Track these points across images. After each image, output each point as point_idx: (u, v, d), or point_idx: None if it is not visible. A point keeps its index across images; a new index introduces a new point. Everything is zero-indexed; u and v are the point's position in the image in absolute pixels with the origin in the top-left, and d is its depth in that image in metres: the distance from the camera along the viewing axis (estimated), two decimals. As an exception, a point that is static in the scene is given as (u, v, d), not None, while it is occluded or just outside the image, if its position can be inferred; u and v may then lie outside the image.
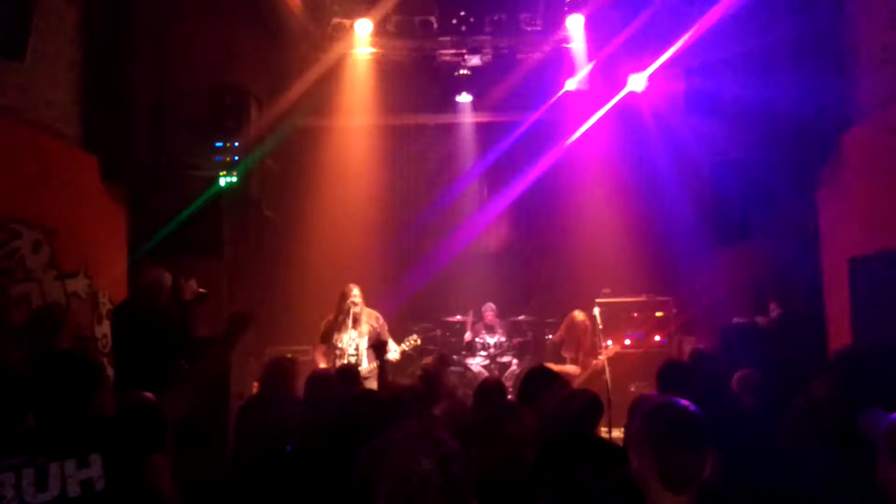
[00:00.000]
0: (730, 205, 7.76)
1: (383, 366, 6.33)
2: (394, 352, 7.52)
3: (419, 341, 7.90)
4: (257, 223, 9.53)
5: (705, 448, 2.35)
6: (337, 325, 7.62)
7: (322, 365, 7.57)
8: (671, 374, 4.70)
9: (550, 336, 10.02)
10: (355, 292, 7.69)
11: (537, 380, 4.74)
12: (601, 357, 8.32)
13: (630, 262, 9.64)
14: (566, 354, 8.64)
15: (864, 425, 3.14)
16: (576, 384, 7.85)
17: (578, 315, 8.70)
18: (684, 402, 2.48)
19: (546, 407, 4.42)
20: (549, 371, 4.97)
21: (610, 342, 8.49)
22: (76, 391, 2.94)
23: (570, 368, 8.56)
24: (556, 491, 3.34)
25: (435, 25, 9.58)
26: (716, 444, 2.40)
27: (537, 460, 3.26)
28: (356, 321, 7.62)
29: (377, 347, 6.67)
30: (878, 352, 3.84)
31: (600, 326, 8.07)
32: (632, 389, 8.19)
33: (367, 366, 7.40)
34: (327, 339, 7.67)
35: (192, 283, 6.54)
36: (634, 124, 9.86)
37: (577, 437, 4.46)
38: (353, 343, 7.54)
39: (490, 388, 5.25)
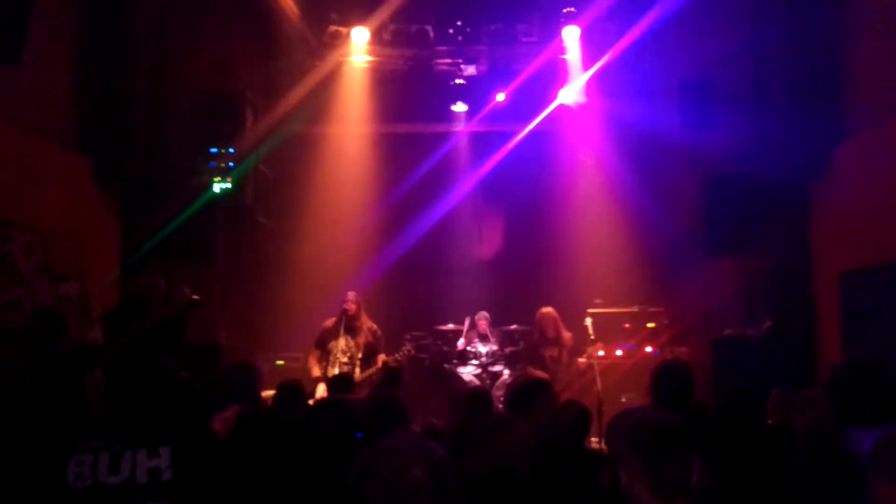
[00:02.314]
0: (722, 217, 7.79)
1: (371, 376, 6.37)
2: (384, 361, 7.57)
3: (412, 351, 7.94)
4: (251, 230, 9.52)
5: (691, 455, 2.43)
6: (332, 332, 7.65)
7: (315, 371, 7.59)
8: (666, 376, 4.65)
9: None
10: (353, 300, 7.72)
11: (529, 390, 4.75)
12: (583, 359, 8.30)
13: (622, 272, 9.66)
14: (546, 353, 8.55)
15: (851, 443, 3.15)
16: (563, 385, 7.86)
17: (542, 309, 8.63)
18: (664, 414, 2.55)
19: (537, 417, 4.43)
20: (543, 382, 4.99)
21: (602, 353, 8.47)
22: (151, 391, 3.25)
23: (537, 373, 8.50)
24: (547, 502, 3.35)
25: (431, 35, 9.61)
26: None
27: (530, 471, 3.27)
28: (350, 329, 7.63)
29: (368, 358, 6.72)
30: (873, 366, 3.83)
31: (592, 337, 8.08)
32: (623, 400, 8.19)
33: (359, 374, 7.43)
34: (322, 345, 7.68)
35: (185, 290, 6.55)
36: (628, 136, 9.89)
37: (567, 447, 4.48)
38: (348, 352, 7.55)
39: (477, 397, 5.25)
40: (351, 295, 7.79)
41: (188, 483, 3.06)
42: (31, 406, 3.64)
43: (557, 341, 8.42)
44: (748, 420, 4.40)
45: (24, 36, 5.66)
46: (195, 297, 6.63)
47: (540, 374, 8.28)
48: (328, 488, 3.26)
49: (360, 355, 7.55)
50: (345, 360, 7.50)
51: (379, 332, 7.81)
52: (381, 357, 7.68)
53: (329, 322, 7.77)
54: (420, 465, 1.74)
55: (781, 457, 3.77)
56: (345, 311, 7.65)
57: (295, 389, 5.08)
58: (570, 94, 10.12)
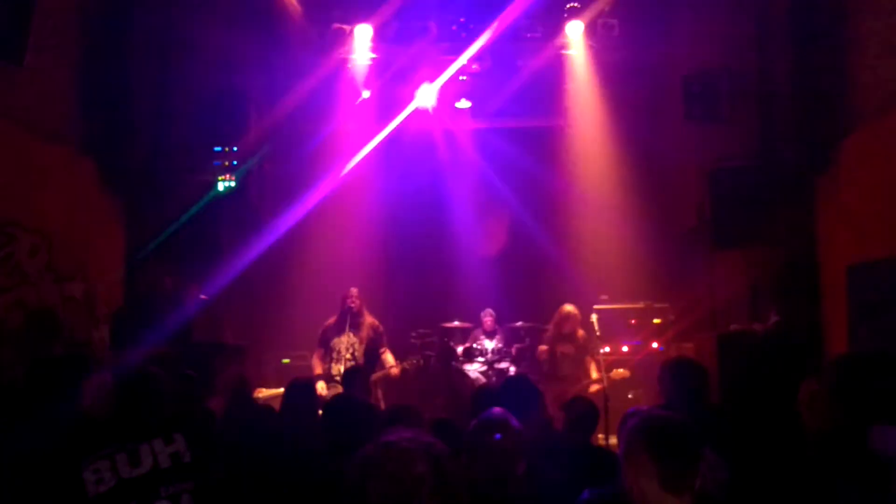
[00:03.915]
0: (728, 212, 7.76)
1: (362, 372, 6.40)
2: (393, 366, 7.60)
3: (422, 362, 7.99)
4: (256, 228, 9.51)
5: (698, 451, 2.48)
6: (335, 329, 7.66)
7: (317, 369, 7.60)
8: (680, 373, 4.58)
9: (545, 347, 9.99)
10: (355, 296, 7.73)
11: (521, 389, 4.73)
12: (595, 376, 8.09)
13: (628, 268, 9.63)
14: (557, 348, 8.39)
15: (878, 441, 3.10)
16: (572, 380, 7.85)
17: (567, 307, 8.49)
18: (669, 412, 2.60)
19: (541, 415, 4.42)
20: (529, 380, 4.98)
21: (607, 349, 8.39)
22: (158, 396, 3.39)
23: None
24: (552, 498, 3.33)
25: (434, 31, 9.60)
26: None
27: (531, 469, 3.26)
28: (354, 325, 7.64)
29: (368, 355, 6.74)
30: (873, 359, 3.80)
31: (598, 333, 8.04)
32: (629, 396, 8.18)
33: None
34: (325, 343, 7.70)
35: (193, 289, 6.56)
36: (633, 131, 9.87)
37: (573, 443, 4.47)
38: (351, 348, 7.56)
39: (485, 395, 5.22)
40: (353, 291, 7.80)
41: (205, 463, 3.17)
42: (30, 411, 3.61)
43: (571, 337, 8.34)
44: (760, 414, 4.37)
45: (26, 36, 5.68)
46: (203, 297, 6.64)
47: (596, 385, 7.92)
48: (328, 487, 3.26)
49: (362, 350, 7.58)
50: (348, 356, 7.52)
51: (381, 328, 7.82)
52: (385, 352, 7.71)
53: (331, 320, 7.79)
54: (422, 461, 1.73)
55: (794, 451, 3.74)
56: (349, 309, 7.66)
57: (307, 387, 5.11)
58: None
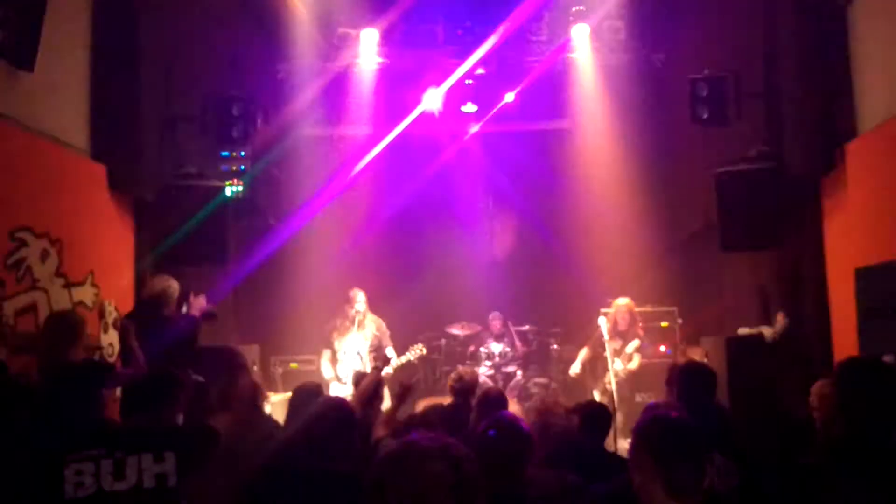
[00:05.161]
0: (735, 215, 7.75)
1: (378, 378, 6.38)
2: (392, 359, 7.56)
3: (424, 350, 7.93)
4: (263, 233, 9.55)
5: (703, 455, 2.45)
6: (340, 330, 7.67)
7: (327, 373, 7.63)
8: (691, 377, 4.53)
9: (556, 346, 10.01)
10: (360, 297, 7.73)
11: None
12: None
13: (635, 272, 9.63)
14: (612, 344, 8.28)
15: None
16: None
17: (618, 300, 8.41)
18: (676, 414, 2.61)
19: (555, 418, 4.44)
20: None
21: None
22: (158, 401, 3.39)
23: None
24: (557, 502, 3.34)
25: (440, 35, 9.62)
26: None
27: (539, 470, 3.28)
28: (360, 326, 7.66)
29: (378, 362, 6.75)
30: (882, 362, 3.81)
31: (606, 337, 8.03)
32: (637, 400, 8.17)
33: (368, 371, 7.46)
34: (330, 345, 7.72)
35: (202, 300, 6.56)
36: (640, 134, 9.87)
37: (583, 448, 4.47)
38: (356, 348, 7.58)
39: (491, 398, 5.24)
40: (361, 294, 7.80)
41: (192, 488, 3.08)
42: (39, 416, 3.56)
43: (626, 335, 8.26)
44: (769, 418, 4.37)
45: (37, 42, 5.71)
46: (212, 309, 6.65)
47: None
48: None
49: (368, 349, 7.60)
50: (353, 355, 7.54)
51: (384, 327, 7.84)
52: (389, 349, 7.72)
53: (335, 321, 7.80)
54: (440, 460, 1.76)
55: (803, 454, 3.74)
56: (357, 312, 7.68)
57: (311, 392, 5.08)
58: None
